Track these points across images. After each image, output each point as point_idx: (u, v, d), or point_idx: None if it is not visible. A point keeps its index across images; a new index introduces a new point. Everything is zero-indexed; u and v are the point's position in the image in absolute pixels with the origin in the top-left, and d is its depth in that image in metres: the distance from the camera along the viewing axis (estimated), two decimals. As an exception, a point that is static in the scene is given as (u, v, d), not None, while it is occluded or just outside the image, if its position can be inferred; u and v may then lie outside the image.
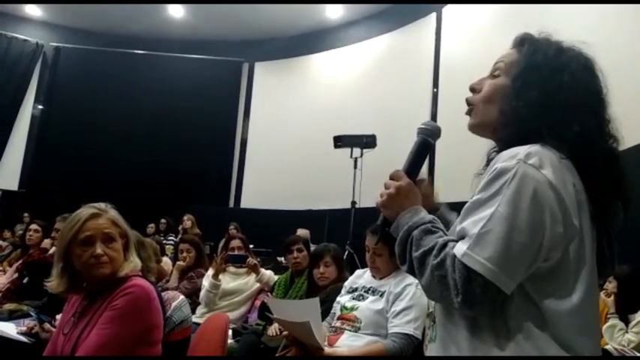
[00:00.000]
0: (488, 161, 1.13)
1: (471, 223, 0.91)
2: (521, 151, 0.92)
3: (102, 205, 1.67)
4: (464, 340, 0.95)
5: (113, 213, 1.67)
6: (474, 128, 1.09)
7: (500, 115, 1.02)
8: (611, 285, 3.28)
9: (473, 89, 1.10)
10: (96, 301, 1.60)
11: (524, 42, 1.07)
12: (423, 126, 1.15)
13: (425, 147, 1.13)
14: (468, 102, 1.10)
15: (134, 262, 1.66)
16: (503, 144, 1.02)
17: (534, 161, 0.90)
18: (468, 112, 1.10)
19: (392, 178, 1.08)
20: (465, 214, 0.94)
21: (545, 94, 0.98)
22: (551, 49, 1.03)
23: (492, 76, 1.08)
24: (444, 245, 0.92)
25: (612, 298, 3.22)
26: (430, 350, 1.08)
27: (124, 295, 1.54)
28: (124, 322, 1.52)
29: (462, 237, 0.92)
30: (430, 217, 1.01)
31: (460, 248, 0.90)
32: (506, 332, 0.91)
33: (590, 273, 0.95)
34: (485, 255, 0.87)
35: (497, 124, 1.03)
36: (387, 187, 1.07)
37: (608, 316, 3.19)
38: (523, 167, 0.90)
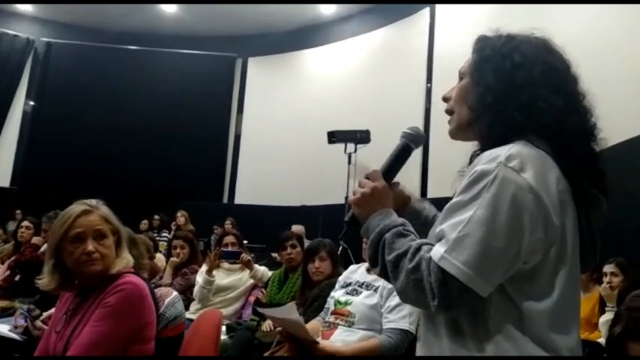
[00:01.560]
0: (470, 164, 1.14)
1: (449, 226, 0.90)
2: (502, 153, 0.91)
3: (93, 201, 1.66)
4: (445, 339, 0.95)
5: (104, 209, 1.65)
6: (454, 134, 1.10)
7: (470, 111, 1.03)
8: (617, 279, 3.21)
9: (446, 99, 1.11)
10: (88, 299, 1.59)
11: (477, 42, 1.08)
12: (407, 131, 1.15)
13: (405, 152, 1.14)
14: (447, 111, 1.11)
15: (126, 259, 1.64)
16: (483, 140, 1.01)
17: (515, 164, 0.89)
18: (450, 115, 1.11)
19: (368, 177, 1.08)
20: (445, 216, 0.94)
21: (500, 77, 0.98)
22: (500, 40, 1.04)
23: (459, 80, 1.10)
24: (418, 249, 0.92)
25: (616, 292, 3.17)
26: (417, 349, 1.08)
27: (116, 292, 1.53)
28: (116, 319, 1.51)
29: (439, 239, 0.92)
30: (401, 220, 1.00)
31: (437, 251, 0.89)
32: (486, 333, 0.91)
33: (570, 271, 0.95)
34: (461, 259, 0.86)
35: (471, 120, 1.03)
36: (361, 185, 1.07)
37: (607, 309, 3.16)
38: (503, 170, 0.89)
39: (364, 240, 2.27)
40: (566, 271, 0.94)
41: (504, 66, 0.99)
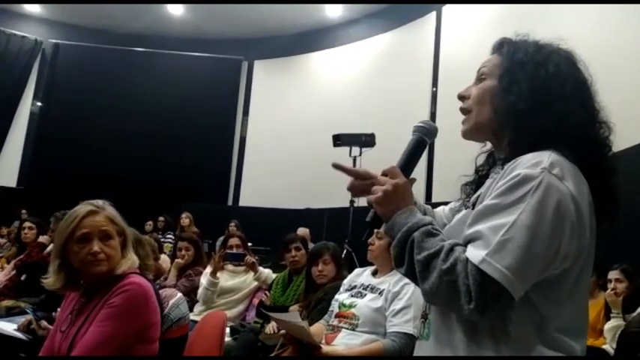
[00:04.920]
0: (477, 168, 1.14)
1: (489, 229, 0.88)
2: (544, 159, 0.90)
3: (99, 202, 1.67)
4: (460, 343, 0.94)
5: (110, 210, 1.66)
6: (469, 133, 1.09)
7: (495, 115, 1.02)
8: (622, 285, 3.21)
9: (462, 97, 1.10)
10: (93, 299, 1.60)
11: (503, 45, 1.08)
12: (420, 124, 1.12)
13: (420, 146, 1.11)
14: (464, 109, 1.10)
15: (131, 260, 1.65)
16: (508, 146, 1.01)
17: (557, 172, 0.89)
18: (465, 114, 1.10)
19: (386, 174, 1.04)
20: (480, 218, 0.91)
21: (535, 86, 0.98)
22: (530, 46, 1.04)
23: (478, 80, 1.09)
24: (451, 249, 0.89)
25: (621, 298, 3.17)
26: (419, 347, 1.07)
27: (121, 292, 1.54)
28: (121, 319, 1.51)
29: (471, 240, 0.90)
30: (429, 218, 0.97)
31: (476, 254, 0.87)
32: (504, 337, 0.90)
33: (588, 279, 0.97)
34: (504, 263, 0.85)
35: (494, 124, 1.03)
36: (381, 183, 1.02)
37: (612, 315, 3.15)
38: (548, 177, 0.88)
39: (369, 242, 2.27)
40: (586, 280, 0.95)
41: (539, 75, 0.99)
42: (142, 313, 1.57)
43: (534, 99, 0.97)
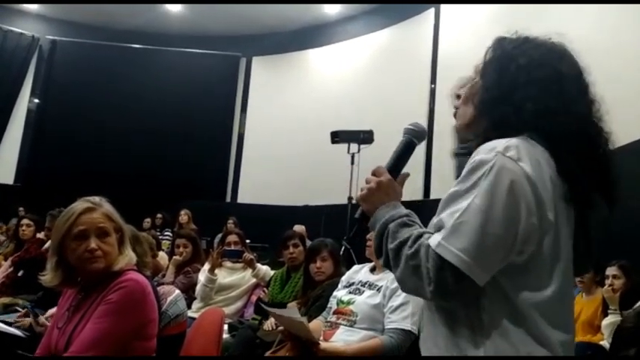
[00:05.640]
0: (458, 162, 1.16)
1: (448, 215, 0.92)
2: (499, 144, 0.93)
3: (96, 199, 1.66)
4: (440, 334, 0.97)
5: (107, 207, 1.66)
6: (459, 129, 1.13)
7: (474, 110, 1.06)
8: (619, 281, 3.22)
9: (458, 96, 1.14)
10: (90, 295, 1.59)
11: (493, 43, 1.10)
12: (410, 127, 1.17)
13: (409, 147, 1.16)
14: (455, 107, 1.14)
15: (129, 256, 1.65)
16: (482, 137, 1.02)
17: (512, 154, 0.91)
18: (455, 115, 1.14)
19: (374, 174, 1.10)
20: (443, 206, 0.95)
21: (502, 77, 1.01)
22: (514, 42, 1.06)
23: (471, 79, 1.12)
24: (419, 236, 0.94)
25: (618, 294, 3.17)
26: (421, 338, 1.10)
27: (118, 289, 1.53)
28: (118, 315, 1.51)
29: (439, 228, 0.93)
30: (406, 211, 1.02)
31: (435, 239, 0.91)
32: (480, 326, 0.92)
33: (565, 269, 0.96)
34: (458, 246, 0.88)
35: (475, 120, 1.06)
36: (368, 181, 1.09)
37: (609, 312, 3.16)
38: (501, 160, 0.91)
39: (368, 238, 2.28)
40: (560, 268, 0.95)
41: (508, 67, 1.01)
42: (139, 309, 1.57)
43: (498, 89, 1.00)
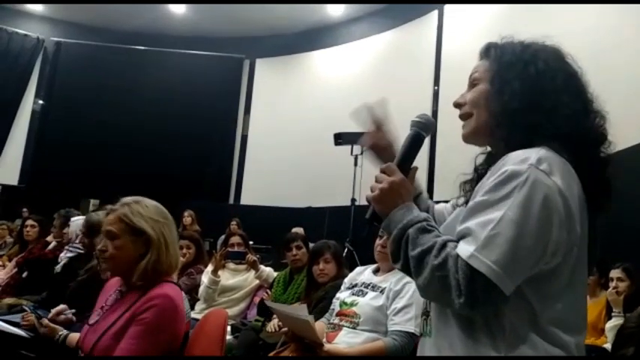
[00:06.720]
0: (477, 166, 1.14)
1: (478, 225, 0.90)
2: (532, 155, 0.92)
3: (128, 199, 1.68)
4: (457, 339, 0.96)
5: (127, 209, 1.63)
6: (469, 137, 1.10)
7: (491, 117, 1.04)
8: (623, 284, 3.20)
9: (458, 104, 1.11)
10: (125, 298, 1.61)
11: (490, 49, 1.10)
12: (417, 119, 1.13)
13: (418, 140, 1.12)
14: (463, 115, 1.11)
15: (163, 262, 1.62)
16: (503, 145, 1.01)
17: (545, 167, 0.90)
18: (465, 119, 1.11)
19: (384, 171, 1.06)
20: (470, 214, 0.93)
21: (527, 84, 1.00)
22: (516, 46, 1.06)
23: (471, 86, 1.10)
24: (444, 245, 0.92)
25: (622, 297, 3.16)
26: (422, 344, 1.08)
27: (151, 306, 1.52)
28: (151, 336, 1.51)
29: (462, 236, 0.92)
30: (424, 215, 1.00)
31: (466, 249, 0.89)
32: (501, 332, 0.92)
33: (583, 275, 0.98)
34: (492, 258, 0.87)
35: (492, 125, 1.04)
36: (379, 180, 1.05)
37: (613, 314, 3.14)
38: (535, 172, 0.90)
39: (378, 238, 2.27)
40: (581, 275, 0.96)
41: (529, 73, 1.01)
42: (172, 327, 1.57)
43: (526, 96, 0.99)
